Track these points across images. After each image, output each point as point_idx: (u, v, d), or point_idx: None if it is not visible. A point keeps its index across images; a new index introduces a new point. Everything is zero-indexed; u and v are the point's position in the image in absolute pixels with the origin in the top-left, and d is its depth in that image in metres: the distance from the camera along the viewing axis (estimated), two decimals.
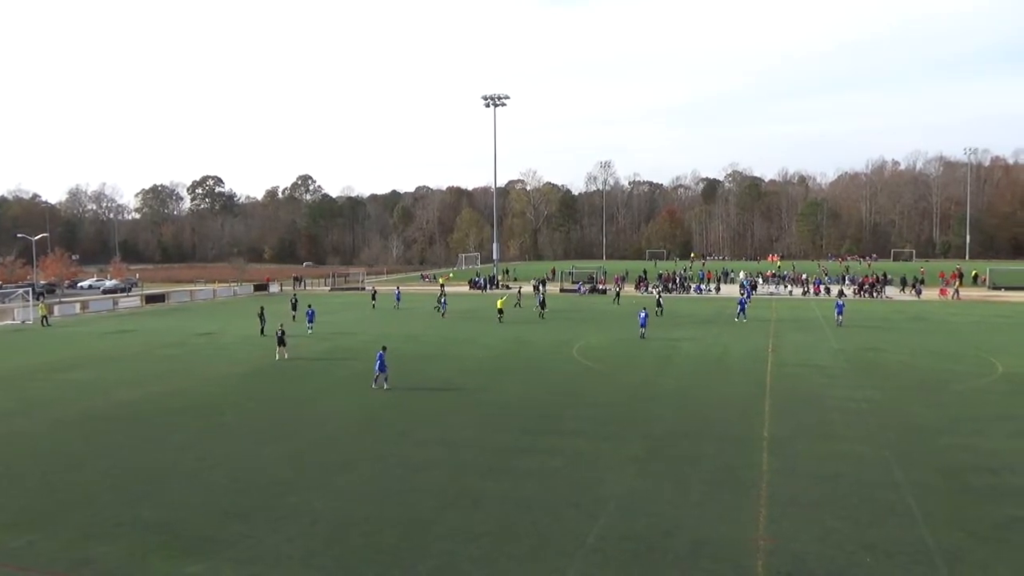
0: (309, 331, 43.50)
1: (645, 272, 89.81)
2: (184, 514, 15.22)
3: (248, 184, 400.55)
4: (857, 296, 69.24)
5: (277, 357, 34.15)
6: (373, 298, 64.89)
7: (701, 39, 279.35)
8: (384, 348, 28.14)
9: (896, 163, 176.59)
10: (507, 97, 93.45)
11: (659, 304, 52.70)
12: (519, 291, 65.55)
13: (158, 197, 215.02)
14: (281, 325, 36.91)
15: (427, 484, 16.86)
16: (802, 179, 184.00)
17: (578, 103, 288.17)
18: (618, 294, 65.94)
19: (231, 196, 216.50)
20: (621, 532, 14.03)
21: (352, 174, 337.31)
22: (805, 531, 13.96)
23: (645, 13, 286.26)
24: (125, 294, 79.04)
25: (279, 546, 13.59)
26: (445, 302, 56.22)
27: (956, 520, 14.46)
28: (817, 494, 15.92)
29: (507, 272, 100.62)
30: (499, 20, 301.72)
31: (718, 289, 76.83)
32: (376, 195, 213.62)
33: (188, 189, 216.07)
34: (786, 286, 76.72)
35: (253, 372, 31.88)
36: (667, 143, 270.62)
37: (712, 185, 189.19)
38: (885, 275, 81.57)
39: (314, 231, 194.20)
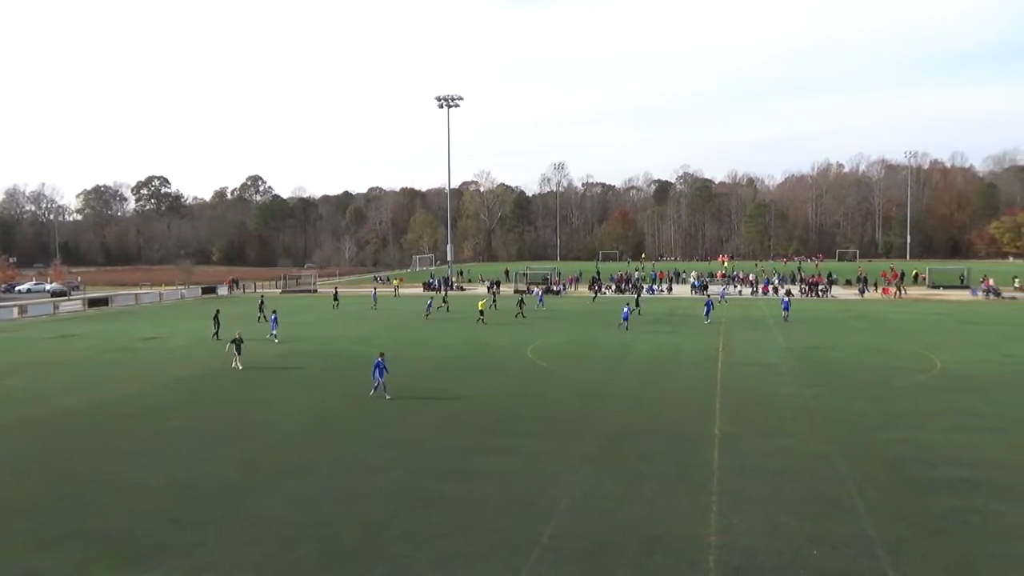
0: (274, 338, 41.18)
1: (598, 273, 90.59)
2: (131, 523, 14.84)
3: (196, 185, 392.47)
4: (804, 295, 70.98)
5: (232, 364, 32.41)
6: (335, 299, 65.18)
7: (653, 43, 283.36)
8: (382, 354, 26.53)
9: (840, 166, 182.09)
10: (460, 98, 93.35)
11: (638, 303, 53.89)
12: (495, 293, 66.04)
13: (101, 198, 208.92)
14: (239, 332, 34.55)
15: (382, 486, 16.76)
16: (751, 181, 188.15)
17: (531, 104, 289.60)
18: (596, 293, 69.34)
19: (178, 197, 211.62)
20: (575, 531, 14.16)
21: (303, 175, 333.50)
22: (755, 526, 14.28)
23: (598, 16, 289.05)
24: (66, 298, 76.59)
25: (232, 553, 13.36)
26: (431, 304, 55.68)
27: (898, 512, 14.96)
28: (766, 489, 16.29)
29: (461, 274, 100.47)
30: (453, 20, 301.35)
31: (670, 289, 78.01)
32: (328, 196, 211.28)
33: (133, 190, 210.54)
34: (736, 286, 78.24)
35: (202, 376, 31.24)
36: (619, 145, 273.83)
37: (664, 187, 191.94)
38: (831, 275, 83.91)
39: (264, 233, 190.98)
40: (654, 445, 19.81)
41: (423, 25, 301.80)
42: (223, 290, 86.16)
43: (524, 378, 29.97)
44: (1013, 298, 66.84)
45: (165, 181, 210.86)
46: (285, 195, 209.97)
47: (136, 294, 76.52)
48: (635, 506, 15.40)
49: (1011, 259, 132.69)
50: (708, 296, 53.79)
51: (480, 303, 52.26)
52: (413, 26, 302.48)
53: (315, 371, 32.01)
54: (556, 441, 20.35)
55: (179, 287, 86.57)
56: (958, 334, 42.45)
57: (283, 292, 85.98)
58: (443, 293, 65.92)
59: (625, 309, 48.03)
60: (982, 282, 72.77)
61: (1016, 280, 74.03)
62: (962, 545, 13.39)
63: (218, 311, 44.80)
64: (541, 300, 62.99)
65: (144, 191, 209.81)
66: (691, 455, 18.87)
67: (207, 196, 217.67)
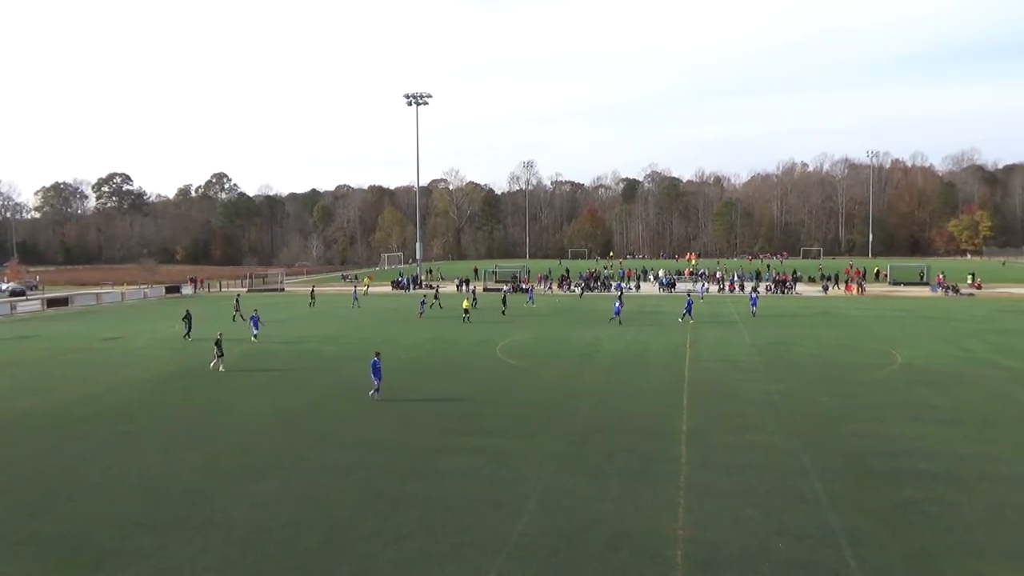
0: (254, 339, 39.90)
1: (567, 271, 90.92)
2: (89, 527, 14.49)
3: (159, 182, 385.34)
4: (769, 292, 71.95)
5: (211, 366, 31.40)
6: (312, 297, 65.24)
7: (621, 41, 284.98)
8: (378, 354, 26.07)
9: (805, 165, 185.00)
10: (429, 95, 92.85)
11: (620, 301, 54.10)
12: (474, 291, 66.24)
13: (60, 195, 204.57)
14: (219, 333, 33.26)
15: (346, 487, 16.59)
16: (717, 180, 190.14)
17: (501, 102, 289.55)
18: (582, 290, 71.89)
19: (140, 194, 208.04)
20: (542, 528, 14.15)
21: (270, 172, 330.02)
22: (721, 520, 14.39)
23: (566, 14, 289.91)
24: (24, 298, 74.72)
25: (194, 557, 13.11)
26: (424, 304, 54.90)
27: (859, 503, 15.20)
28: (732, 484, 16.45)
29: (430, 272, 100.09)
30: (421, 17, 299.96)
31: (638, 287, 78.53)
32: (295, 194, 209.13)
33: (93, 187, 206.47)
34: (703, 284, 79.04)
35: (165, 377, 30.66)
36: (588, 143, 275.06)
37: (632, 185, 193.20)
38: (796, 272, 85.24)
39: (230, 231, 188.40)
40: (622, 442, 19.89)
41: (391, 21, 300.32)
42: (187, 289, 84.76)
43: (492, 376, 29.91)
44: (971, 294, 68.44)
45: (127, 178, 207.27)
46: (251, 193, 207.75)
47: (97, 294, 74.94)
48: (603, 502, 15.44)
49: (969, 256, 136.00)
50: (689, 295, 53.95)
51: (464, 302, 52.12)
52: (381, 22, 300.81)
53: (280, 371, 31.61)
54: (524, 439, 20.33)
55: (142, 286, 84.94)
56: (918, 330, 43.33)
57: (249, 291, 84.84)
58: (434, 291, 65.92)
59: (616, 305, 49.08)
60: (937, 279, 75.28)
61: (970, 277, 75.87)
62: (921, 535, 13.64)
63: (188, 312, 43.70)
64: (531, 298, 63.24)
65: (105, 188, 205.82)
66: (658, 451, 18.97)
67: (171, 194, 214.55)
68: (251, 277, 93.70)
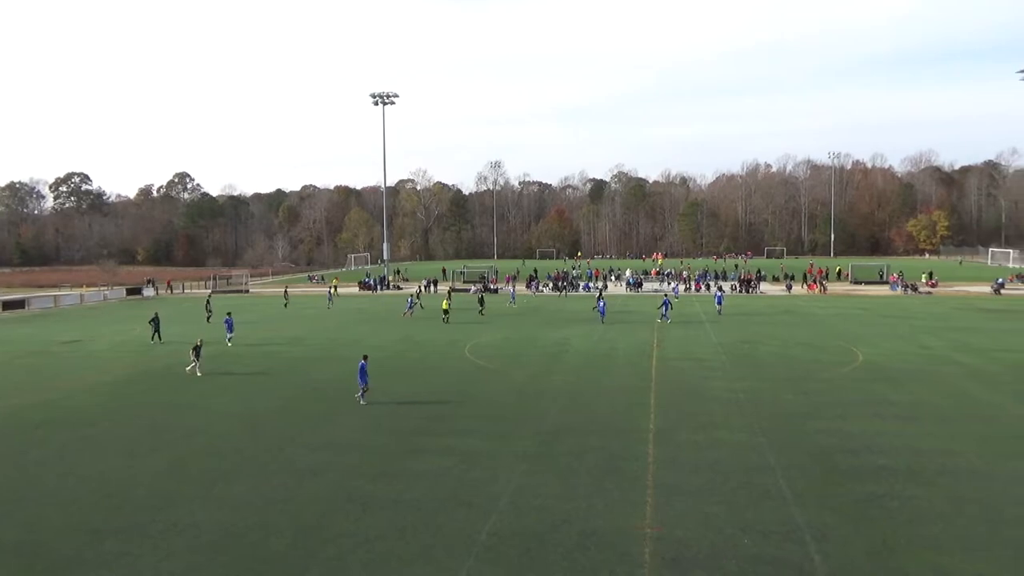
0: (229, 342, 38.98)
1: (535, 271, 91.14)
2: (48, 535, 14.16)
3: (119, 182, 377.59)
4: (734, 292, 72.88)
5: (187, 370, 30.58)
6: (285, 296, 65.45)
7: (588, 43, 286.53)
8: (365, 357, 25.74)
9: (768, 166, 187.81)
10: (396, 95, 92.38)
11: (603, 299, 54.53)
12: (449, 291, 66.28)
13: (16, 195, 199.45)
14: (200, 339, 32.42)
15: (315, 490, 16.43)
16: (683, 180, 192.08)
17: (468, 103, 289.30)
18: (563, 289, 73.28)
19: (100, 194, 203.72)
20: (512, 528, 14.17)
21: (234, 172, 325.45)
22: (688, 517, 14.55)
23: (533, 15, 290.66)
24: None
25: (159, 563, 12.88)
26: (412, 303, 54.56)
27: (823, 499, 15.48)
28: (699, 481, 16.63)
29: (398, 272, 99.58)
30: (387, 16, 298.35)
31: (605, 287, 78.95)
32: (260, 194, 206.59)
33: (51, 187, 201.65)
34: (670, 283, 79.81)
35: (126, 380, 30.07)
36: (556, 144, 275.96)
37: (599, 185, 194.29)
38: (760, 271, 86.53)
39: (193, 231, 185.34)
40: (590, 441, 19.99)
41: (357, 21, 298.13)
42: (149, 291, 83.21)
43: (461, 377, 29.85)
44: (929, 293, 70.05)
45: (86, 178, 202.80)
46: (215, 193, 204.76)
47: (55, 296, 73.20)
48: (572, 501, 15.51)
49: (927, 256, 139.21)
50: (666, 296, 53.90)
51: (444, 302, 51.70)
52: (347, 21, 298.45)
53: (247, 373, 31.19)
54: (494, 439, 20.33)
55: (102, 288, 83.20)
56: (878, 328, 44.23)
57: (213, 293, 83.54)
58: (417, 291, 66.04)
59: (601, 303, 50.13)
60: (891, 278, 77.70)
61: (924, 276, 77.76)
62: (882, 529, 13.94)
63: (156, 314, 42.51)
64: (513, 298, 62.97)
65: (63, 188, 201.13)
66: (626, 450, 19.11)
67: (131, 194, 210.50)
68: (215, 278, 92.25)
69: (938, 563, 12.56)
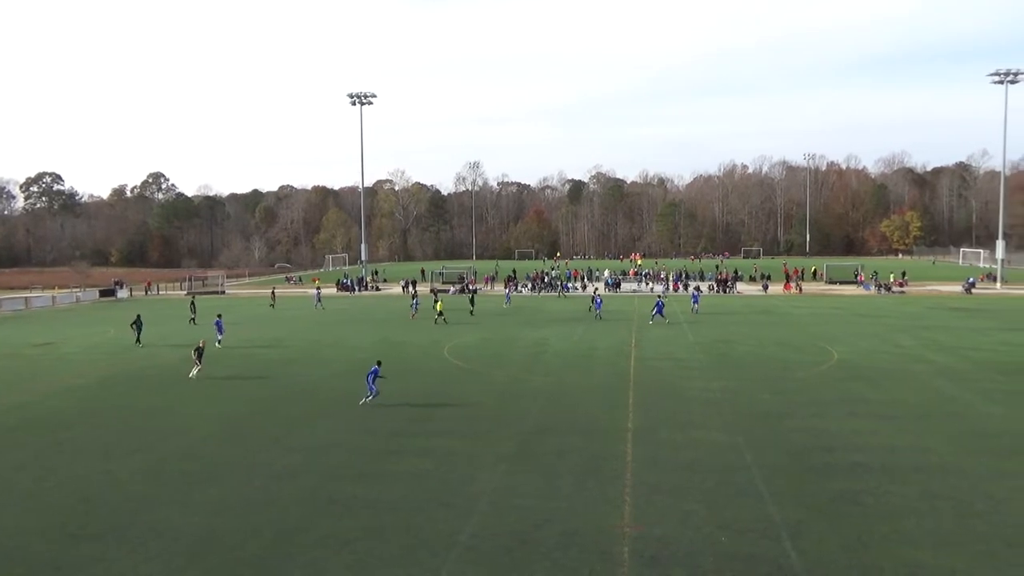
0: (219, 344, 38.08)
1: (515, 271, 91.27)
2: (22, 539, 13.97)
3: (92, 182, 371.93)
4: (711, 292, 73.49)
5: (192, 375, 29.65)
6: (272, 297, 65.58)
7: (566, 44, 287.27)
8: (379, 363, 25.20)
9: (745, 166, 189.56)
10: (374, 95, 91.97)
11: (598, 296, 55.36)
12: (433, 291, 66.37)
13: None
14: (202, 341, 31.55)
15: (294, 492, 16.37)
16: (661, 181, 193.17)
17: (446, 103, 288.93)
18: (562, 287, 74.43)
19: (72, 195, 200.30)
20: (493, 528, 14.22)
21: (209, 172, 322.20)
22: (667, 516, 14.70)
23: (513, 16, 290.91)
24: None
25: (136, 567, 12.77)
26: (417, 304, 54.15)
27: (798, 496, 15.71)
28: (678, 480, 16.80)
29: (376, 273, 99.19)
30: (364, 16, 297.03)
31: (584, 287, 79.25)
32: (236, 194, 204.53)
33: (21, 187, 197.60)
34: (647, 283, 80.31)
35: (102, 383, 29.70)
36: (534, 144, 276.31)
37: (577, 186, 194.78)
38: (736, 271, 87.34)
39: (167, 232, 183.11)
40: (570, 441, 20.09)
41: (334, 20, 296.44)
42: (123, 292, 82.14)
43: (440, 378, 29.85)
44: (902, 292, 71.14)
45: (58, 178, 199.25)
46: (190, 193, 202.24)
47: (26, 297, 71.98)
48: (552, 501, 15.59)
49: (900, 256, 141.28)
50: (659, 297, 53.49)
51: (437, 304, 51.03)
52: (324, 20, 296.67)
53: (222, 375, 30.92)
54: (474, 440, 20.37)
55: (74, 290, 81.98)
56: (853, 327, 44.85)
57: (188, 294, 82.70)
58: (412, 290, 66.45)
59: (598, 299, 52.60)
60: (859, 278, 79.74)
61: (891, 276, 79.01)
62: (857, 525, 14.18)
63: (139, 316, 41.55)
64: (508, 299, 63.30)
65: (34, 188, 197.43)
66: (605, 450, 19.24)
67: (104, 194, 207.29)
68: (190, 279, 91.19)
69: (911, 558, 12.81)
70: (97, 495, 16.37)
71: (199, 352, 30.10)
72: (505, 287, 73.60)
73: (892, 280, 76.23)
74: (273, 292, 68.51)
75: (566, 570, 12.48)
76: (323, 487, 16.67)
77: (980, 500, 15.42)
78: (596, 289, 68.55)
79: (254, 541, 13.77)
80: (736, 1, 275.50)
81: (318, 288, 69.96)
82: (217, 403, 25.52)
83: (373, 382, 24.49)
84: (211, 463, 18.58)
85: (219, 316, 41.08)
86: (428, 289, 77.15)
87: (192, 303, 52.51)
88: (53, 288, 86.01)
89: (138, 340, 39.72)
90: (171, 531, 14.26)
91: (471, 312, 53.22)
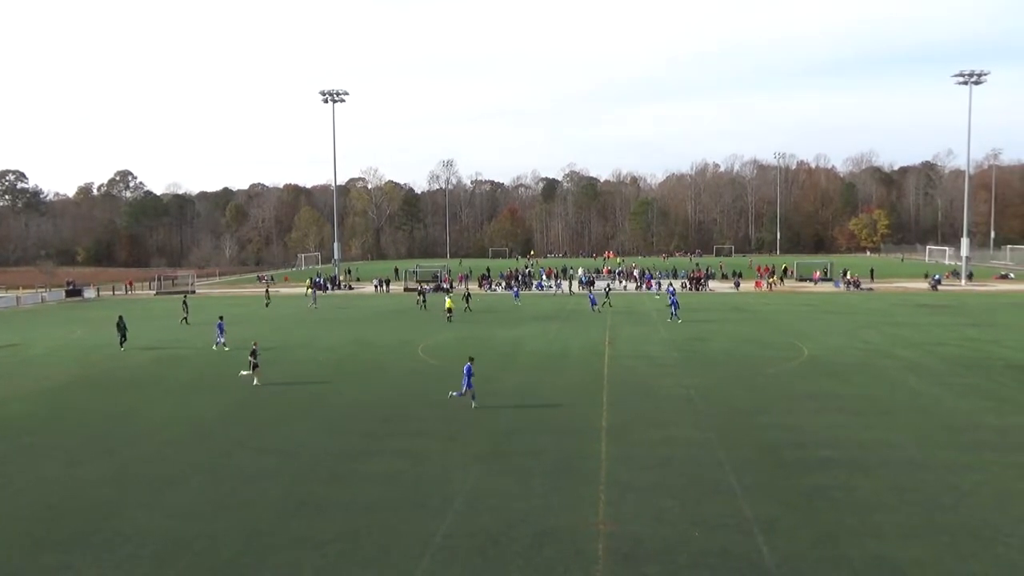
0: (225, 347, 37.12)
1: (488, 270, 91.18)
2: None
3: (57, 180, 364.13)
4: (684, 289, 74.05)
5: (256, 382, 27.77)
6: (267, 295, 65.26)
7: (539, 43, 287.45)
8: (472, 359, 24.73)
9: (716, 165, 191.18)
10: (346, 93, 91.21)
11: (592, 292, 55.78)
12: (420, 290, 66.26)
13: None
14: (255, 343, 29.77)
15: (265, 494, 16.17)
16: (634, 180, 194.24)
17: (419, 101, 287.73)
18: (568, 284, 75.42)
19: (36, 193, 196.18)
20: (467, 529, 14.17)
21: (178, 170, 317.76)
22: (641, 513, 14.76)
23: (486, 13, 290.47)
24: None
25: (104, 574, 12.52)
26: (426, 299, 56.72)
27: (771, 492, 15.87)
28: (651, 478, 16.87)
29: (349, 272, 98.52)
30: (337, 12, 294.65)
31: (558, 285, 79.37)
32: (206, 192, 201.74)
33: None
34: (620, 281, 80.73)
35: (67, 386, 29.11)
36: (508, 143, 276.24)
37: (551, 184, 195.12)
38: (709, 269, 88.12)
39: (135, 231, 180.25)
40: (544, 440, 20.09)
41: (306, 15, 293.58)
42: (90, 292, 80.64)
43: (413, 377, 29.70)
44: (870, 289, 72.23)
45: (22, 175, 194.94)
46: (158, 191, 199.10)
47: None
48: (526, 500, 15.58)
49: (868, 253, 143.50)
50: (673, 296, 52.64)
51: (447, 302, 50.88)
52: (296, 16, 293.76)
53: (190, 377, 30.49)
54: (447, 440, 20.28)
55: (39, 290, 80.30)
56: (822, 323, 45.45)
57: (158, 294, 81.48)
58: (419, 289, 66.90)
59: (591, 295, 55.33)
60: (813, 275, 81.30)
61: (845, 272, 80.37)
62: (827, 519, 14.36)
63: (122, 318, 39.89)
64: (516, 296, 63.36)
65: None
66: (580, 448, 19.27)
67: (70, 192, 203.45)
68: (159, 279, 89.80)
69: (879, 550, 12.99)
70: (62, 501, 16.03)
71: (254, 354, 28.33)
72: (514, 285, 73.61)
73: (844, 277, 77.61)
74: (267, 291, 68.33)
75: (541, 569, 12.47)
76: (295, 489, 16.49)
77: (946, 493, 15.69)
78: (592, 284, 69.49)
79: (224, 545, 13.57)
80: (708, 3, 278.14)
81: (312, 287, 70.15)
82: (184, 406, 25.14)
83: (469, 379, 23.71)
84: (178, 467, 18.29)
85: (221, 318, 39.66)
86: (403, 288, 76.86)
87: (184, 302, 51.15)
88: (18, 288, 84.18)
89: (123, 343, 38.04)
90: (138, 536, 14.01)
91: (467, 309, 53.53)
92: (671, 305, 48.53)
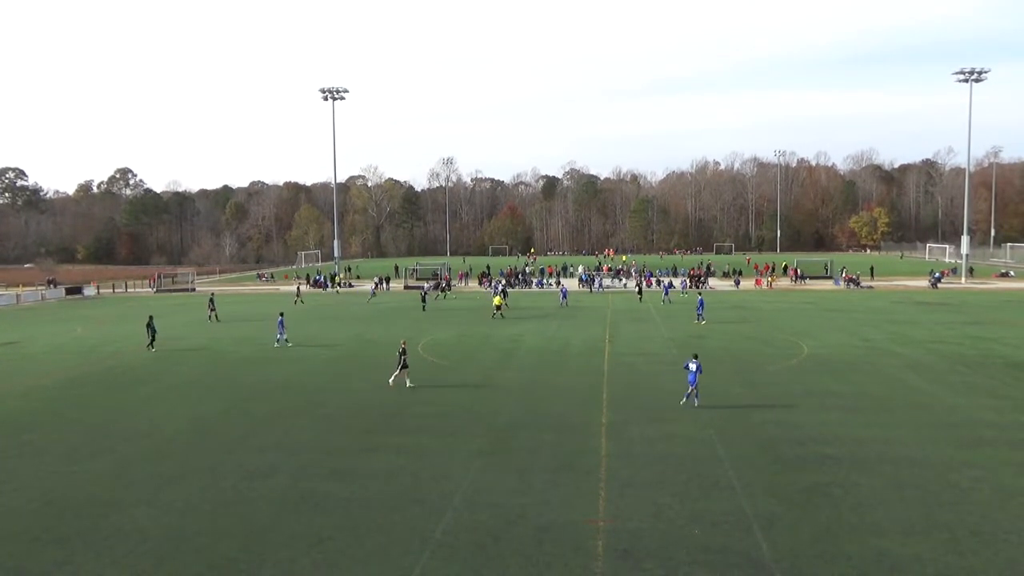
0: (287, 343, 37.10)
1: (488, 268, 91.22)
2: None
3: (57, 178, 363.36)
4: (684, 288, 74.04)
5: (409, 384, 26.63)
6: (298, 294, 64.12)
7: (538, 39, 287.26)
8: (696, 356, 23.56)
9: (717, 163, 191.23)
10: (346, 90, 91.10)
11: (597, 285, 56.60)
12: (425, 289, 66.29)
13: None
14: (403, 342, 28.87)
15: (265, 491, 16.18)
16: (634, 177, 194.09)
17: (419, 98, 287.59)
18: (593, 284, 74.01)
19: (36, 190, 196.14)
20: (467, 525, 14.18)
21: (178, 167, 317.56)
22: (640, 510, 14.77)
23: (485, 10, 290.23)
24: None
25: (103, 570, 12.54)
26: (433, 294, 57.58)
27: (770, 488, 15.87)
28: (651, 474, 16.88)
29: (349, 270, 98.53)
30: (337, 9, 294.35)
31: (558, 283, 79.39)
32: (206, 190, 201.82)
33: None
34: (621, 279, 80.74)
35: (67, 383, 29.12)
36: (507, 140, 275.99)
37: (551, 182, 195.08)
38: (709, 267, 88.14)
39: (135, 229, 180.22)
40: (544, 436, 20.10)
41: (306, 13, 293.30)
42: (90, 290, 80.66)
43: (413, 374, 29.62)
44: (870, 287, 72.23)
45: (21, 173, 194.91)
46: (158, 189, 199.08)
47: None
48: (526, 496, 15.59)
49: (868, 251, 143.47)
50: (700, 295, 51.77)
51: (495, 299, 50.82)
52: (295, 14, 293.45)
53: (191, 375, 30.50)
54: (447, 437, 20.30)
55: (39, 288, 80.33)
56: (823, 321, 45.44)
57: (157, 292, 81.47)
58: (437, 282, 68.51)
59: (595, 283, 60.13)
60: (790, 272, 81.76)
61: (844, 270, 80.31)
62: (826, 516, 14.36)
63: (151, 318, 38.66)
64: (564, 296, 57.92)
65: None
66: (579, 444, 19.28)
67: (70, 190, 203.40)
68: (159, 277, 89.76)
69: (879, 547, 13.00)
70: (62, 498, 16.05)
71: (402, 355, 27.22)
72: (561, 285, 72.25)
73: (842, 274, 77.70)
74: (299, 288, 68.53)
75: (540, 565, 12.49)
76: (295, 486, 16.50)
77: (945, 490, 15.70)
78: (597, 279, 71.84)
79: (224, 542, 13.59)
80: (708, 1, 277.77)
81: (376, 282, 72.40)
82: (185, 403, 25.15)
83: (694, 377, 22.83)
84: (179, 464, 18.31)
85: (281, 315, 39.39)
86: (403, 286, 76.86)
87: (211, 300, 50.60)
88: (18, 286, 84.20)
89: (152, 343, 36.82)
90: (138, 533, 14.03)
91: (505, 307, 51.72)
92: (699, 306, 46.77)
